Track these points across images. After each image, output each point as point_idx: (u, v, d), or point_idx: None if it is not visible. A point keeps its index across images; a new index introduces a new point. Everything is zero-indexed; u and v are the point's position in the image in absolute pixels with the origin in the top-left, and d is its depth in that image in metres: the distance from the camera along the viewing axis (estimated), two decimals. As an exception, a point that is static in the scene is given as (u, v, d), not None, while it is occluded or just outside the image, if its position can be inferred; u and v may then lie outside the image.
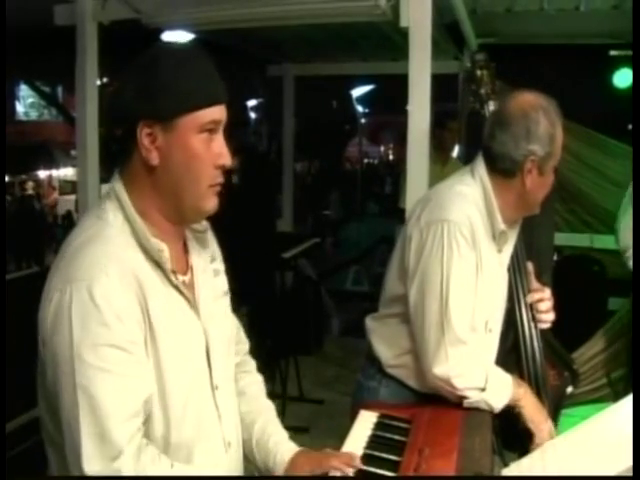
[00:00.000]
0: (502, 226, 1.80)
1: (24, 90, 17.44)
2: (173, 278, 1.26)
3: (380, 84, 11.04)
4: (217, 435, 1.33)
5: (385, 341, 1.95)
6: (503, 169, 1.78)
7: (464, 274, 1.74)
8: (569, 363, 2.04)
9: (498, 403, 1.72)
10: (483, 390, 1.71)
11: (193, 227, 1.38)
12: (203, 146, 1.24)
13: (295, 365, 4.50)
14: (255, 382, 1.59)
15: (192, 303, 1.30)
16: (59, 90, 14.19)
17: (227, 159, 1.28)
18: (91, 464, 1.09)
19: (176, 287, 1.27)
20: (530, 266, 1.96)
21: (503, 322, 1.95)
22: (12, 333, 2.78)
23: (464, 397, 1.72)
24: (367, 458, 1.48)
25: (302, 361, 4.63)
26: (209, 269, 1.40)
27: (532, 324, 1.92)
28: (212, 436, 1.32)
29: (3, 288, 2.71)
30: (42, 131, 17.54)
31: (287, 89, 5.76)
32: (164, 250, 1.24)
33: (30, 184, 14.71)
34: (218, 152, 1.26)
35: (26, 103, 18.51)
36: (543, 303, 1.93)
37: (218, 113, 1.26)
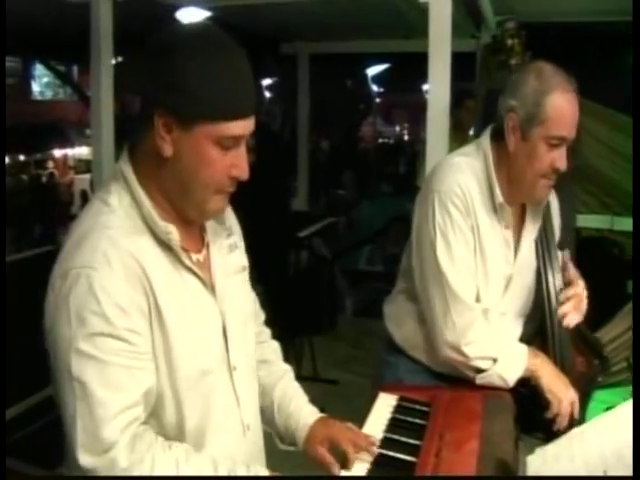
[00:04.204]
0: (500, 199, 1.76)
1: (39, 70, 17.46)
2: (185, 260, 1.23)
3: (395, 63, 10.93)
4: (235, 418, 1.31)
5: (395, 322, 1.97)
6: (495, 127, 1.78)
7: (459, 241, 1.73)
8: (599, 351, 1.96)
9: (512, 375, 1.70)
10: (495, 361, 1.69)
11: None
12: (218, 155, 1.17)
13: (309, 345, 4.50)
14: (272, 350, 1.59)
15: (207, 283, 1.27)
16: (74, 69, 14.19)
17: (242, 172, 1.20)
18: (85, 456, 1.07)
19: (189, 269, 1.24)
20: (567, 255, 1.88)
21: (529, 307, 1.91)
22: (25, 312, 2.79)
23: (477, 369, 1.71)
24: (387, 442, 1.47)
25: (316, 341, 4.62)
26: (225, 245, 1.37)
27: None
28: (230, 419, 1.30)
29: (3, 281, 2.69)
30: (57, 110, 17.59)
31: (302, 67, 5.70)
32: (172, 232, 1.20)
33: (49, 163, 14.79)
34: (234, 163, 1.19)
35: (42, 82, 18.56)
36: (567, 304, 1.80)
37: (241, 128, 1.17)
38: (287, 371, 1.56)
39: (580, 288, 1.84)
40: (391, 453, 1.42)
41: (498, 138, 1.77)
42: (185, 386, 1.20)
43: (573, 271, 1.86)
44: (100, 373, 1.09)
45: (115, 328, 1.10)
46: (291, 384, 1.53)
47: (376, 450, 1.41)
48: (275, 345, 1.61)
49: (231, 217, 1.45)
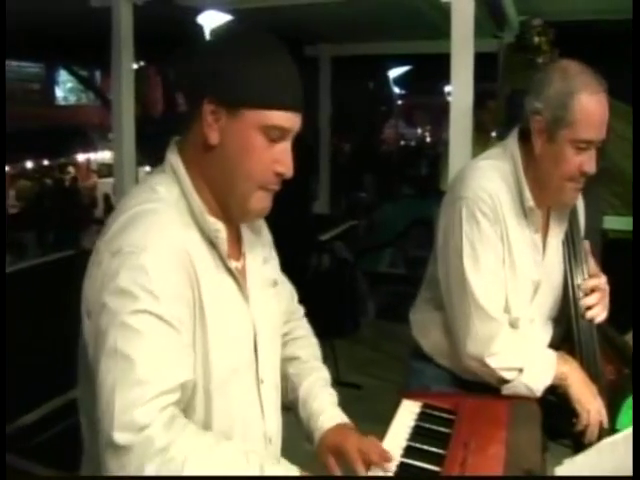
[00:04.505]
0: (530, 202, 1.72)
1: (63, 75, 17.64)
2: (228, 261, 1.22)
3: (417, 65, 10.89)
4: (258, 430, 1.30)
5: (422, 331, 1.92)
6: (522, 129, 1.73)
7: (487, 251, 1.68)
8: (630, 359, 1.87)
9: (539, 385, 1.65)
10: (521, 371, 1.64)
11: None
12: (263, 145, 1.18)
13: (331, 348, 4.47)
14: (308, 345, 1.55)
15: (243, 291, 1.26)
16: (97, 74, 14.32)
17: (287, 169, 1.20)
18: (120, 433, 1.02)
19: (230, 272, 1.23)
20: (587, 245, 1.84)
21: (558, 309, 1.86)
22: (47, 316, 2.81)
23: (502, 380, 1.66)
24: (411, 451, 1.43)
25: (337, 344, 4.59)
26: (259, 256, 1.36)
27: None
28: (254, 430, 1.28)
29: (3, 285, 2.69)
30: (81, 115, 17.75)
31: (323, 70, 5.69)
32: (221, 230, 1.20)
33: (71, 168, 14.92)
34: (278, 159, 1.19)
35: (65, 88, 18.74)
36: (592, 296, 1.77)
37: (287, 120, 1.18)
38: (317, 369, 1.51)
39: (603, 281, 1.78)
40: (415, 462, 1.38)
41: (525, 140, 1.73)
42: (216, 386, 1.18)
43: (593, 264, 1.82)
44: (144, 350, 1.05)
45: (163, 310, 1.07)
46: (318, 382, 1.48)
47: (391, 467, 1.35)
48: (313, 340, 1.57)
49: (265, 229, 1.44)
